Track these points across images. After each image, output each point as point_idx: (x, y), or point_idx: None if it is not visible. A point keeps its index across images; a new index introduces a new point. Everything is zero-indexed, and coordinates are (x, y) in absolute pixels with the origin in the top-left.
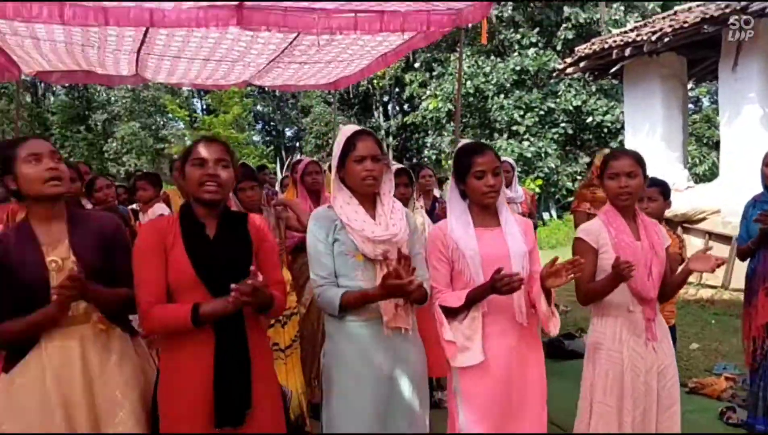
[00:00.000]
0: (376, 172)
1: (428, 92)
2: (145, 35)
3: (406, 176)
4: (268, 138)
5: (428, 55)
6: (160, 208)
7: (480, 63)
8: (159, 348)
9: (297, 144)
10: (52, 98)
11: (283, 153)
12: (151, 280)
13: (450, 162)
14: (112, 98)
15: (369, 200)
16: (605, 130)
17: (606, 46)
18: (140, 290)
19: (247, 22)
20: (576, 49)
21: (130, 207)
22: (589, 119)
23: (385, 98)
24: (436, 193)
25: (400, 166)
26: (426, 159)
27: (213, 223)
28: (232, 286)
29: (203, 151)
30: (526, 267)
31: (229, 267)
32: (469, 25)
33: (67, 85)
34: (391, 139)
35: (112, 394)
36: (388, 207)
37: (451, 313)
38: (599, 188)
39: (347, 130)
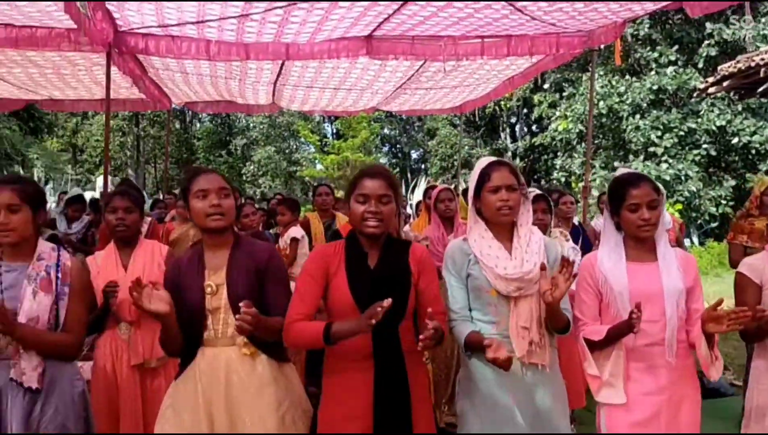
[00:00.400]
0: (511, 202)
1: (558, 113)
2: (281, 67)
3: (544, 202)
4: (394, 160)
5: (558, 75)
6: (295, 231)
7: (614, 83)
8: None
9: (423, 166)
10: (198, 125)
11: (409, 175)
12: (304, 299)
13: (580, 184)
14: (251, 124)
15: (506, 231)
16: (753, 151)
17: (753, 63)
18: (292, 305)
19: (376, 52)
20: (720, 67)
21: (271, 230)
22: (735, 140)
23: (513, 119)
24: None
25: (538, 192)
26: (555, 181)
27: (376, 253)
28: (366, 312)
29: (204, 183)
30: (682, 305)
31: (385, 295)
32: (602, 45)
33: (211, 113)
34: (518, 160)
35: (251, 417)
36: (524, 239)
37: (596, 346)
38: (758, 219)
39: (483, 161)
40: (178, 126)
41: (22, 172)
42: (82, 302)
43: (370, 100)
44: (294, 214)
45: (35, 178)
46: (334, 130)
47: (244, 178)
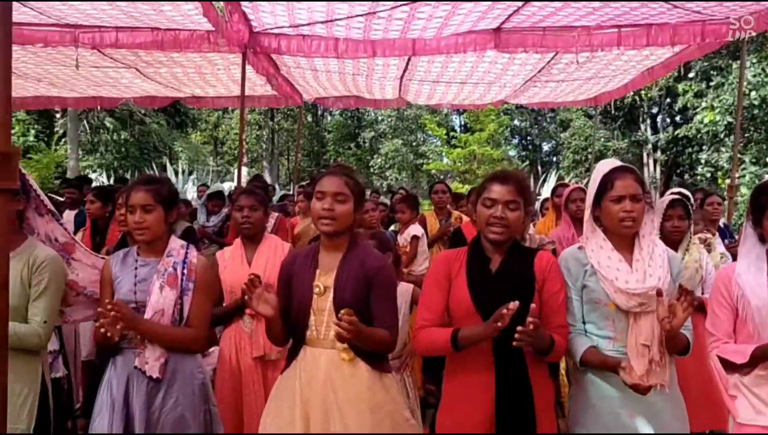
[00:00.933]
0: (635, 213)
1: (704, 104)
2: (407, 63)
3: (681, 208)
4: (524, 153)
5: (705, 63)
6: (415, 229)
7: None
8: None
9: (554, 159)
10: (329, 118)
11: (539, 168)
12: (429, 306)
13: (727, 180)
14: (379, 117)
15: (626, 241)
16: None
17: None
18: (419, 312)
19: (504, 46)
20: None
21: (391, 228)
22: None
23: (654, 110)
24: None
25: (675, 197)
26: (700, 177)
27: (499, 258)
28: (495, 313)
29: (325, 184)
30: None
31: (506, 300)
32: (753, 33)
33: (340, 108)
34: (659, 153)
35: (346, 419)
36: (647, 251)
37: (731, 365)
38: None
39: (604, 166)
40: (309, 119)
41: (169, 164)
42: (206, 298)
43: (498, 93)
44: (413, 212)
45: (180, 170)
46: (462, 123)
47: (372, 170)
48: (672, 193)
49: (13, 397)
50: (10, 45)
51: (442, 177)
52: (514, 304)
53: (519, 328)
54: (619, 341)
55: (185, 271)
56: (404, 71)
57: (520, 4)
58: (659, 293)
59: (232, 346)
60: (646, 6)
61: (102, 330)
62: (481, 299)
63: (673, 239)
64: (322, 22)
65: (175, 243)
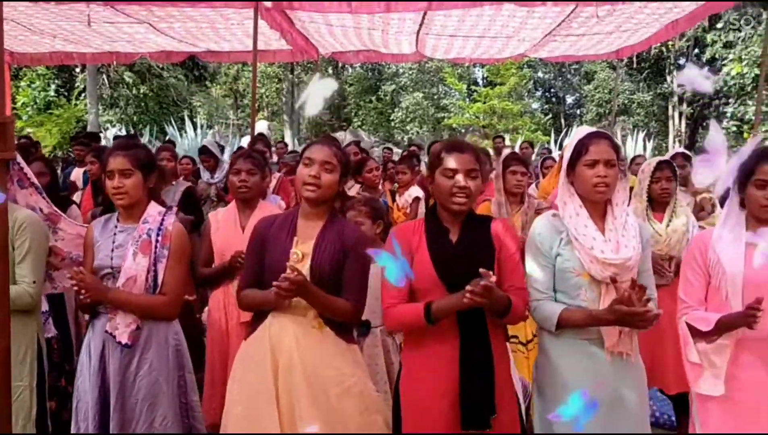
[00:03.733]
0: (609, 178)
1: (732, 55)
2: (423, 17)
3: (668, 169)
4: (547, 105)
5: (735, 13)
6: (415, 191)
7: None
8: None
9: (578, 111)
10: (349, 70)
11: (563, 121)
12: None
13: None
14: (401, 70)
15: (599, 208)
16: None
17: None
18: (384, 290)
19: None
20: None
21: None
22: None
23: (681, 60)
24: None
25: (662, 158)
26: (725, 130)
27: (456, 228)
28: (467, 287)
29: (313, 152)
30: None
31: (469, 270)
32: None
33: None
34: (685, 106)
35: (315, 384)
36: (620, 220)
37: (699, 333)
38: None
39: (581, 131)
40: (330, 72)
41: (188, 118)
42: (180, 265)
43: (516, 47)
44: (414, 173)
45: (199, 124)
46: (484, 75)
47: (393, 124)
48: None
49: (13, 356)
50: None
51: (463, 131)
52: (487, 273)
53: (467, 286)
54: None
55: (159, 238)
56: (420, 25)
57: None
58: (614, 281)
59: (220, 309)
60: None
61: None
62: (445, 271)
63: (661, 201)
64: None
65: (153, 209)
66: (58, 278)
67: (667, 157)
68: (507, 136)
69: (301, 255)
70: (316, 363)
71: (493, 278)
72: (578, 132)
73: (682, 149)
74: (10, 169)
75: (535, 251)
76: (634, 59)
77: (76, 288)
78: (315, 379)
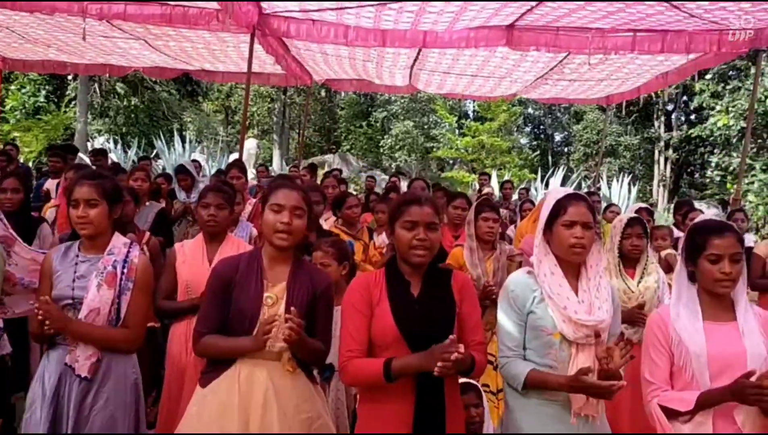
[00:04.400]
0: (585, 240)
1: (719, 106)
2: (418, 53)
3: (639, 226)
4: (535, 142)
5: (724, 65)
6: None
7: None
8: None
9: (566, 149)
10: (342, 94)
11: (550, 158)
12: (353, 334)
13: (735, 186)
14: (392, 98)
15: (573, 269)
16: None
17: None
18: (343, 342)
19: (516, 44)
20: None
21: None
22: None
23: (669, 107)
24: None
25: (633, 215)
26: (709, 180)
27: (418, 281)
28: (435, 350)
29: (282, 198)
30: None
31: (431, 325)
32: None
33: (350, 92)
34: (671, 152)
35: (287, 429)
36: (594, 282)
37: (671, 412)
38: None
39: (558, 191)
40: (323, 94)
41: (177, 132)
42: (144, 299)
43: (509, 87)
44: None
45: (188, 139)
46: (475, 109)
47: (382, 150)
48: (633, 212)
49: None
50: None
51: (451, 162)
52: (452, 340)
53: (438, 363)
54: (559, 371)
55: (125, 270)
56: (415, 60)
57: (534, 3)
58: (597, 335)
59: (181, 343)
60: (662, 13)
61: (43, 321)
62: (406, 326)
63: (631, 257)
64: (332, 9)
65: (118, 240)
66: (10, 303)
67: (631, 212)
68: (494, 172)
69: (275, 298)
70: (290, 406)
71: (461, 347)
72: (555, 192)
73: (645, 205)
74: None
75: (507, 307)
76: (624, 103)
77: (40, 317)
78: (290, 423)
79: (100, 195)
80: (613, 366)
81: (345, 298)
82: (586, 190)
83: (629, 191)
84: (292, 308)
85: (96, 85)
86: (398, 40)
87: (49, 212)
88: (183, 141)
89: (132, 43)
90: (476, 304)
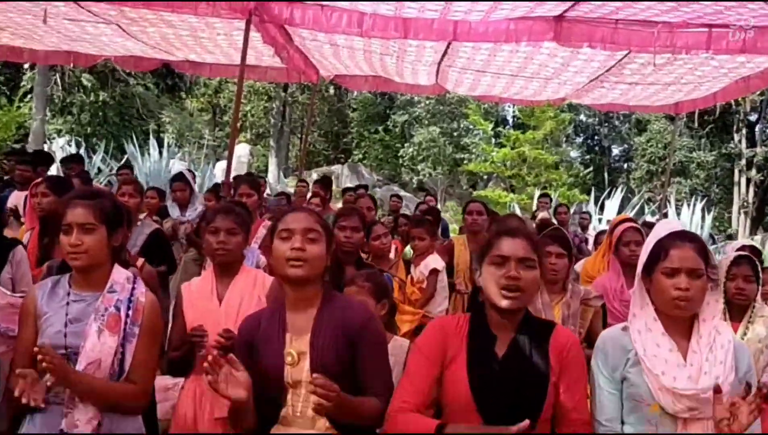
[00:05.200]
0: (692, 291)
1: None
2: (447, 47)
3: (749, 267)
4: (588, 156)
5: None
6: (434, 261)
7: None
8: None
9: (625, 165)
10: (354, 92)
11: (606, 175)
12: (415, 384)
13: None
14: (415, 98)
15: (682, 323)
16: None
17: None
18: (400, 388)
19: (566, 39)
20: None
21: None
22: None
23: (752, 117)
24: None
25: (741, 253)
26: None
27: (507, 336)
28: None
29: (290, 221)
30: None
31: (512, 396)
32: None
33: (363, 91)
34: (754, 172)
35: None
36: (706, 340)
37: None
38: None
39: (662, 228)
40: (332, 92)
41: (152, 134)
42: (153, 347)
43: (556, 90)
44: (434, 239)
45: (166, 143)
46: (515, 114)
47: (401, 161)
48: (738, 249)
49: None
50: None
51: (485, 178)
52: (524, 426)
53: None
54: None
55: (130, 313)
56: (443, 56)
57: None
58: (717, 390)
59: (190, 403)
60: (744, 6)
61: (21, 397)
62: (483, 396)
63: (736, 305)
64: None
65: (120, 274)
66: None
67: (736, 247)
68: (536, 191)
69: (297, 356)
70: None
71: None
72: (658, 229)
73: (749, 241)
74: None
75: (597, 371)
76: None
77: (44, 366)
78: None
79: (98, 218)
80: (738, 427)
81: (418, 338)
82: (649, 216)
83: (703, 218)
84: (315, 376)
85: (57, 76)
86: (423, 32)
87: (25, 237)
88: (160, 145)
89: (103, 28)
90: (582, 372)
